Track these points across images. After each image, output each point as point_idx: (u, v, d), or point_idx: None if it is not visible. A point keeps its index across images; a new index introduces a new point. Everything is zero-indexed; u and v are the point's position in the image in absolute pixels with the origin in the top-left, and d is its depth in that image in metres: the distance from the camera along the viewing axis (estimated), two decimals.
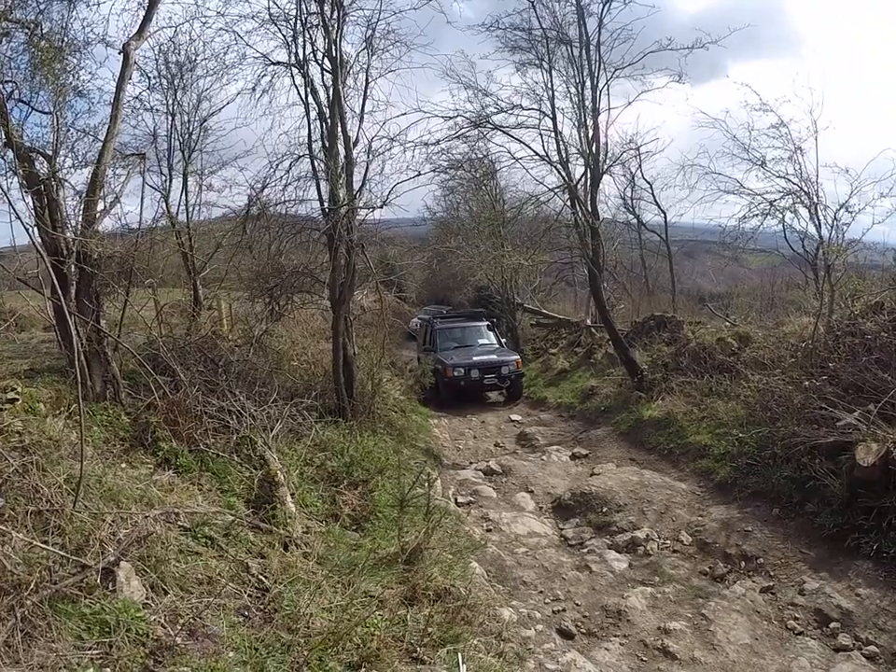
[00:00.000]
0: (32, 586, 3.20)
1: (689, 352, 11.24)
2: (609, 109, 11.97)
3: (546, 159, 12.31)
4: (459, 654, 3.71)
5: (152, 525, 4.13)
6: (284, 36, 9.00)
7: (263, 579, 4.39)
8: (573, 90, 12.01)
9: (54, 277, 5.25)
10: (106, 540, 3.82)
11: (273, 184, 9.40)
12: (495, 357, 15.60)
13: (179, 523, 4.51)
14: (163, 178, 10.75)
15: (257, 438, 6.45)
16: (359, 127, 9.20)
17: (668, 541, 6.62)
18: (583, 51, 11.63)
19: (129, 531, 3.97)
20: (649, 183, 17.45)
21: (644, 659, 4.57)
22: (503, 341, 17.69)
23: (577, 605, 5.46)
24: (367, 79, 9.21)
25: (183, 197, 11.06)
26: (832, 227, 9.41)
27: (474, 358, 15.27)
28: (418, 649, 3.90)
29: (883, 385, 6.53)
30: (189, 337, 8.50)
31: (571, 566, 6.26)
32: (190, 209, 11.19)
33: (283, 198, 9.52)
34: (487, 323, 17.72)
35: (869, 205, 9.04)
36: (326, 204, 9.04)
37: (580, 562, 6.34)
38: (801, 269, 11.19)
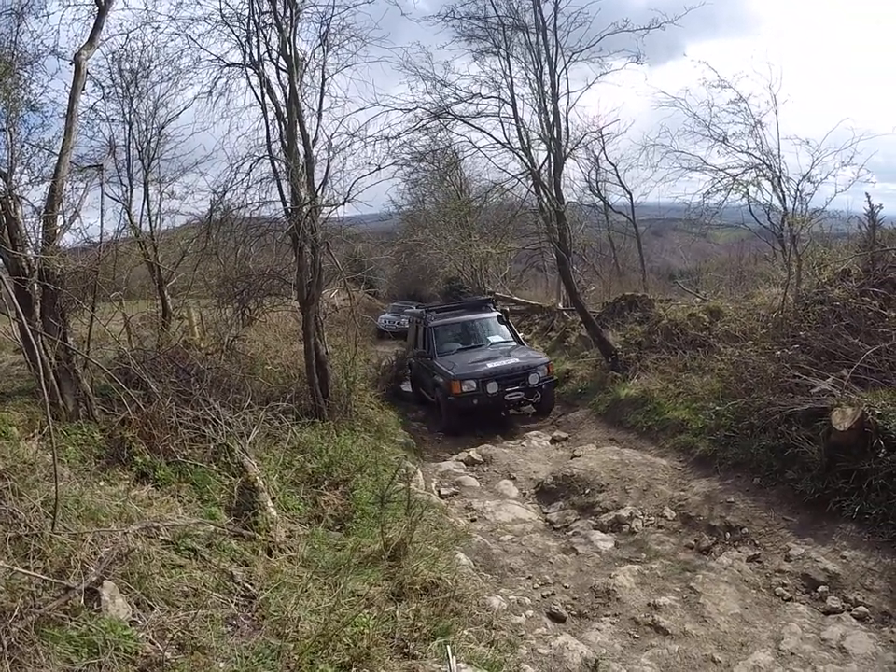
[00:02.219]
0: (16, 612, 3.11)
1: (661, 329, 11.34)
2: (569, 93, 11.98)
3: (508, 146, 12.30)
4: (448, 647, 3.67)
5: (133, 540, 4.04)
6: (237, 37, 8.82)
7: (249, 586, 4.32)
8: (532, 75, 11.99)
9: (15, 298, 5.10)
10: (88, 560, 3.74)
11: (235, 187, 9.22)
12: (517, 360, 11.52)
13: (161, 536, 4.43)
14: (124, 189, 10.64)
15: (234, 445, 6.35)
16: (318, 124, 9.05)
17: (652, 518, 6.65)
18: (540, 37, 11.63)
19: (110, 549, 3.89)
20: (613, 165, 17.61)
21: (636, 636, 4.58)
22: (521, 335, 13.99)
23: (566, 588, 5.45)
24: (323, 76, 9.06)
25: (145, 206, 10.90)
26: (795, 198, 9.54)
27: (489, 365, 11.21)
28: (409, 644, 3.88)
29: (854, 350, 6.61)
30: (159, 348, 8.39)
31: (557, 549, 6.25)
32: (153, 218, 11.05)
33: (245, 201, 9.32)
34: (498, 314, 13.61)
35: (831, 175, 9.16)
36: (288, 205, 8.87)
37: (565, 545, 6.34)
38: (767, 241, 11.31)
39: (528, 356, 12.04)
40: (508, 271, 21.19)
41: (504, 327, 13.24)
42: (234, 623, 3.88)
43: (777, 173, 9.70)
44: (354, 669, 3.45)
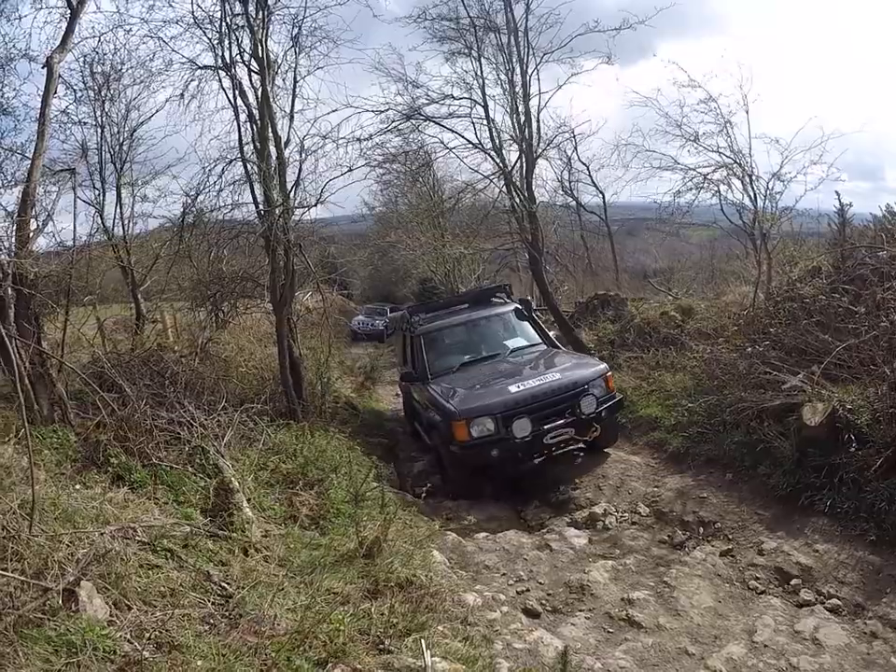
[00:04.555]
0: None
1: (634, 328, 11.48)
2: (540, 94, 12.11)
3: (480, 146, 12.40)
4: (423, 641, 3.64)
5: (110, 541, 3.96)
6: (209, 39, 8.73)
7: (225, 586, 4.26)
8: (503, 76, 12.09)
9: None
10: (65, 561, 3.66)
11: (208, 190, 9.12)
12: (556, 375, 7.65)
13: (137, 537, 4.34)
14: (96, 192, 10.55)
15: (209, 447, 6.28)
16: (290, 126, 9.04)
17: (626, 514, 6.69)
18: (512, 38, 11.75)
19: (87, 550, 3.80)
20: (585, 165, 17.72)
21: (610, 630, 4.56)
22: (552, 334, 9.80)
23: (540, 584, 5.42)
24: (295, 78, 9.03)
25: (117, 210, 10.83)
26: (765, 196, 9.72)
27: (514, 389, 7.47)
28: (384, 640, 3.84)
29: (824, 347, 6.70)
30: (133, 352, 8.36)
31: (532, 546, 6.21)
32: (126, 222, 10.95)
33: (218, 203, 9.26)
34: (515, 306, 9.90)
35: (801, 173, 9.36)
36: (261, 207, 8.83)
37: (540, 541, 6.30)
38: (739, 240, 11.52)
39: (573, 364, 8.10)
40: (481, 271, 21.21)
41: (526, 324, 9.59)
42: (211, 621, 3.81)
43: (748, 171, 9.87)
44: (330, 665, 3.40)
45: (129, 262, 10.49)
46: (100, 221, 10.43)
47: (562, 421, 7.32)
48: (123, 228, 10.86)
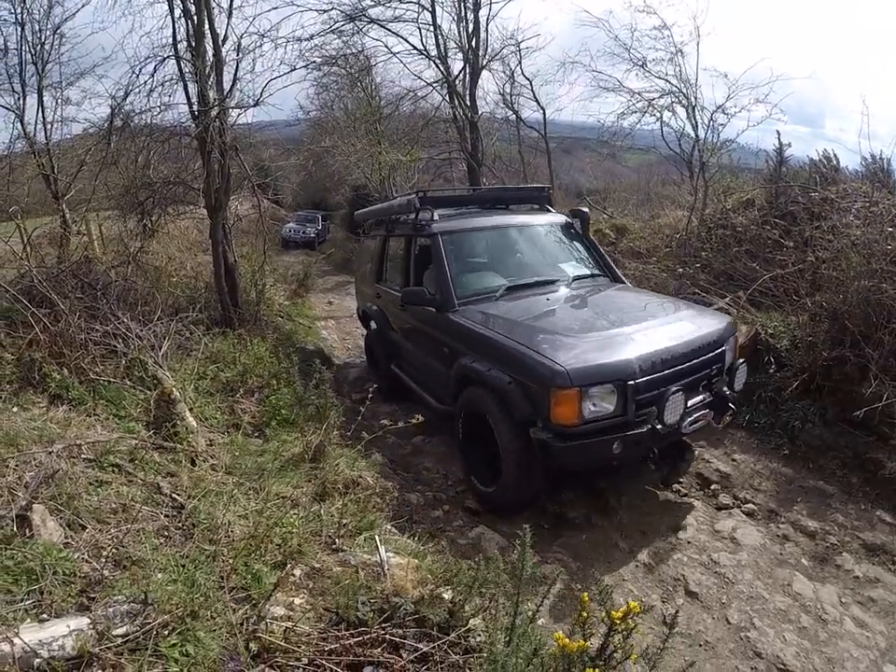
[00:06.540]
0: None
1: None
2: (491, 4, 11.92)
3: (424, 53, 12.23)
4: (377, 538, 3.82)
5: (56, 461, 3.91)
6: None
7: (176, 497, 4.26)
8: None
9: None
10: (14, 487, 3.60)
11: (137, 90, 8.38)
12: (687, 324, 4.81)
13: (83, 455, 4.28)
14: (16, 97, 9.79)
15: (146, 358, 6.17)
16: (228, 23, 8.33)
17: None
18: None
19: (35, 472, 3.76)
20: (528, 79, 17.37)
21: (546, 527, 4.88)
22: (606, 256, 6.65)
23: None
24: None
25: (40, 115, 10.03)
26: (708, 127, 9.89)
27: (640, 338, 4.42)
28: (336, 540, 3.96)
29: (752, 274, 7.09)
30: (62, 264, 7.91)
31: None
32: (49, 127, 10.18)
33: (148, 105, 8.51)
34: (565, 219, 6.83)
35: (745, 109, 9.56)
36: (195, 107, 8.18)
37: None
38: (676, 166, 11.75)
39: (691, 311, 5.33)
40: (416, 181, 20.86)
41: (581, 246, 6.60)
42: (166, 534, 3.81)
43: (693, 101, 10.02)
44: (289, 565, 3.52)
45: (52, 170, 9.87)
46: (20, 127, 9.86)
47: (701, 398, 4.73)
48: (46, 134, 10.16)
